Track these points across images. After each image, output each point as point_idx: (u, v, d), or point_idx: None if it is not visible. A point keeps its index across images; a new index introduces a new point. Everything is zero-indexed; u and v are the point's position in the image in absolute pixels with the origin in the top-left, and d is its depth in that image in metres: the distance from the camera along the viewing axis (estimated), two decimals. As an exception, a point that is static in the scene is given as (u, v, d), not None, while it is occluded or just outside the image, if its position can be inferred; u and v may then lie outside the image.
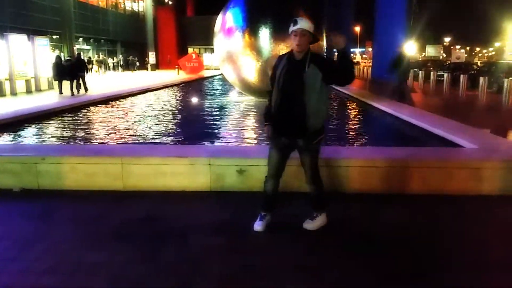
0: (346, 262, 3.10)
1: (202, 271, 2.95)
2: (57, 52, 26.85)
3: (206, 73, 33.01)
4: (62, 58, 18.54)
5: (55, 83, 18.11)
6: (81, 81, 16.23)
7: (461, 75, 16.89)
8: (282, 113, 3.39)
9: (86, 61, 21.82)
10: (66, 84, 16.02)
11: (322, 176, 3.62)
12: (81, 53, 21.24)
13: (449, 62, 35.78)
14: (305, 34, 3.29)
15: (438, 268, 3.01)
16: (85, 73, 17.00)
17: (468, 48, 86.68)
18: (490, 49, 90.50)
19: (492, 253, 3.28)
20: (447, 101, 14.49)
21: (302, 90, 3.26)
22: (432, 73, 20.33)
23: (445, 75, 18.65)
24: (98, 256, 3.16)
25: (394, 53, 13.56)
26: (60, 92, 15.84)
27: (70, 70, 16.04)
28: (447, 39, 68.01)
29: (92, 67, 31.45)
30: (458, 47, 66.43)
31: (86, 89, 16.37)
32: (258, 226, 3.60)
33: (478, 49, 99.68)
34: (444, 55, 58.22)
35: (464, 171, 4.68)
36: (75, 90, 15.81)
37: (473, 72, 21.04)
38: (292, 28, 3.32)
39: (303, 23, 3.29)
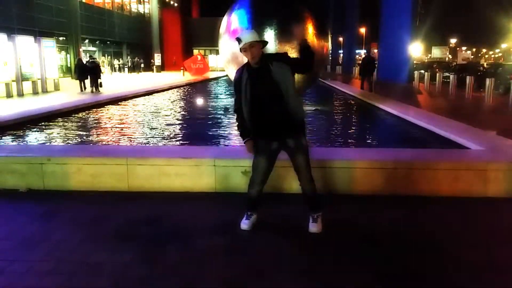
0: (347, 263, 3.09)
1: (206, 272, 2.95)
2: (67, 54, 27.63)
3: (211, 75, 33.07)
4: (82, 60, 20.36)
5: (61, 84, 18.57)
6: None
7: (467, 77, 16.79)
8: (265, 119, 3.40)
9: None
10: (76, 83, 18.25)
11: (325, 178, 3.61)
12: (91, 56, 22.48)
13: (455, 63, 35.56)
14: (254, 45, 3.33)
15: (440, 270, 2.99)
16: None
17: (474, 49, 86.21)
18: (497, 50, 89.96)
19: (498, 255, 3.25)
20: (453, 103, 14.41)
21: (277, 89, 3.31)
22: (438, 74, 20.21)
23: (451, 76, 18.54)
24: (102, 256, 3.16)
25: (366, 57, 18.02)
26: (84, 89, 17.86)
27: (92, 70, 17.83)
28: (453, 41, 67.68)
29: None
30: (464, 48, 66.17)
31: (93, 90, 17.64)
32: (244, 224, 3.66)
33: (484, 50, 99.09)
34: (450, 56, 57.93)
35: (470, 173, 4.64)
36: (94, 88, 17.70)
37: (479, 73, 20.87)
38: (239, 46, 3.38)
39: (247, 37, 3.33)
